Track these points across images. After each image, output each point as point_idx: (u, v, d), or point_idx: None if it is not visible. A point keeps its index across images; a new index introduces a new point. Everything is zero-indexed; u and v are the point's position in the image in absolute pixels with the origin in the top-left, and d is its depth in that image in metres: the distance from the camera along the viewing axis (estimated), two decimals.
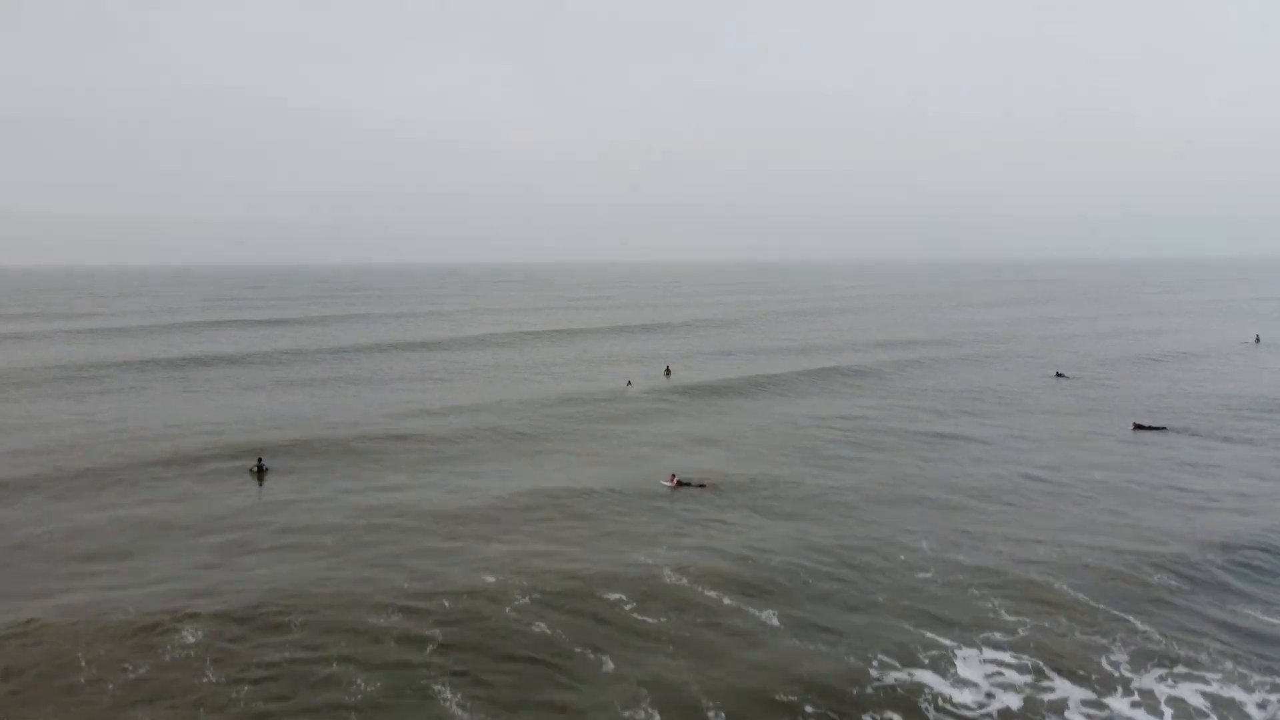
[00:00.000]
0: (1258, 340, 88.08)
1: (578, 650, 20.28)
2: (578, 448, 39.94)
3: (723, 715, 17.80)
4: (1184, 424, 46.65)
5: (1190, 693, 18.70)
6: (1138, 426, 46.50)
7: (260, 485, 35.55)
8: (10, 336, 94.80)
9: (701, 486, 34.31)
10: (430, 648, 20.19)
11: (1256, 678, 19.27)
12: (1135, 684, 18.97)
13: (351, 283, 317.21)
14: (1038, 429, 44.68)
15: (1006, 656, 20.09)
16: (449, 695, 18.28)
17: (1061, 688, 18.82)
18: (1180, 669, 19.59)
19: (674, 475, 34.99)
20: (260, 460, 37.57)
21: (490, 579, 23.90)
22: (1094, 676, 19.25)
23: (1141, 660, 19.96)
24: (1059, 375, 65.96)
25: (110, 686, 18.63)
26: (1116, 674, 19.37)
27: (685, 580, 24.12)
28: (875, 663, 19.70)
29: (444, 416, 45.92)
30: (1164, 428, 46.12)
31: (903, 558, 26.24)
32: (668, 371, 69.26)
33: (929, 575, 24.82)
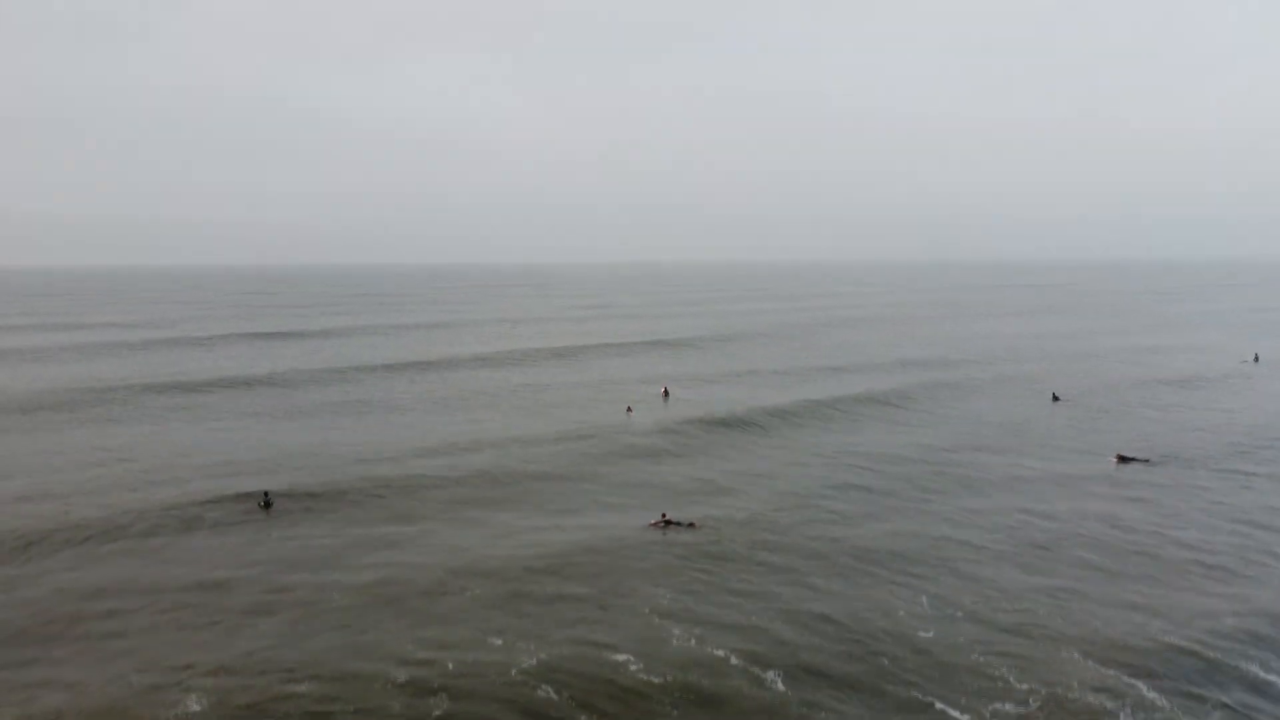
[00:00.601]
0: (1256, 359, 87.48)
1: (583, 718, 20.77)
2: (578, 493, 39.84)
3: None
4: (1169, 455, 47.26)
5: None
6: (1121, 458, 46.72)
7: (267, 514, 36.75)
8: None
9: (690, 526, 34.76)
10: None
11: None
12: None
13: (352, 287, 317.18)
14: (1032, 466, 44.92)
15: None
16: None
17: None
18: None
19: (664, 514, 35.59)
20: (266, 494, 38.64)
21: (497, 642, 24.15)
22: None
23: None
24: (1055, 399, 66.39)
25: None
26: None
27: (693, 643, 24.50)
28: None
29: (446, 456, 45.62)
30: (1148, 460, 46.45)
31: (902, 613, 26.56)
32: (665, 393, 69.46)
33: (930, 635, 25.11)
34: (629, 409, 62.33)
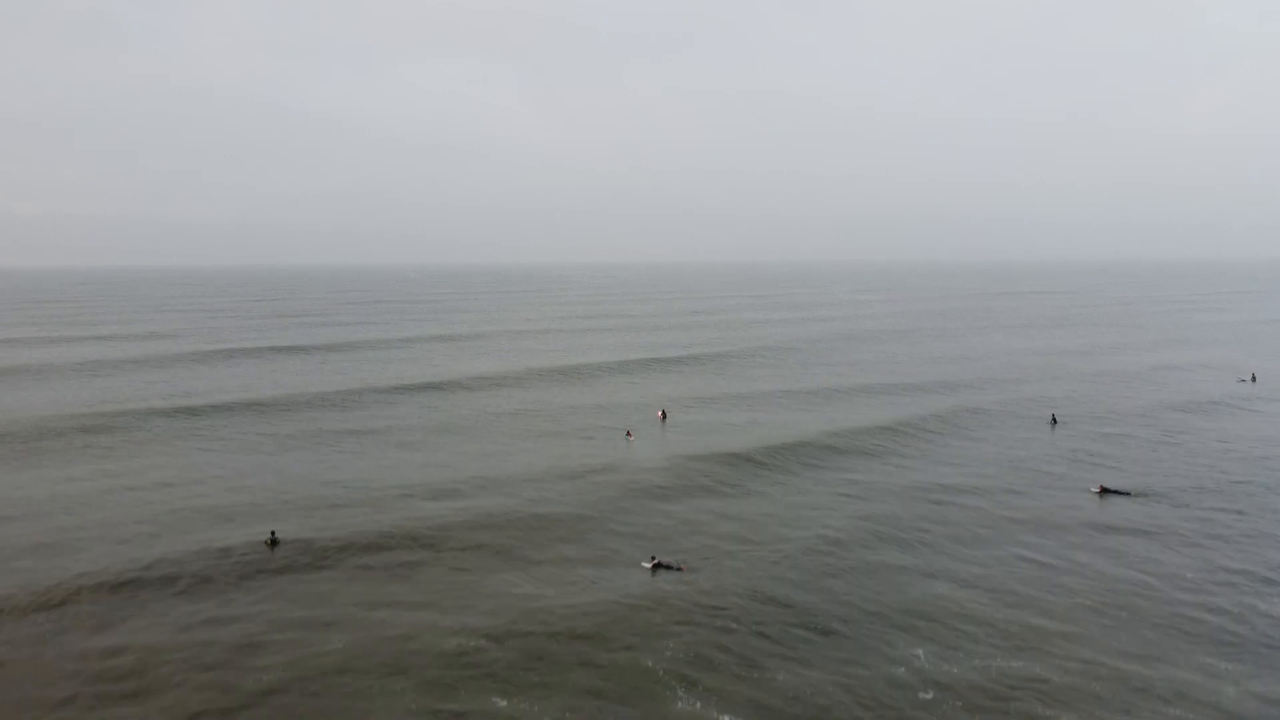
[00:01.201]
0: (1253, 379, 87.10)
1: None
2: (581, 541, 39.79)
3: None
4: (1152, 487, 48.37)
5: None
6: (1104, 490, 47.79)
7: (273, 553, 37.55)
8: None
9: (679, 569, 36.01)
10: None
11: None
12: None
13: (353, 292, 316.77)
14: (1022, 506, 45.47)
15: None
16: None
17: None
18: None
19: (654, 557, 36.82)
20: (274, 533, 39.37)
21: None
22: None
23: None
24: (1054, 421, 66.99)
25: None
26: None
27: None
28: None
29: (449, 499, 45.60)
30: (1128, 493, 47.42)
31: (901, 671, 27.09)
32: (663, 416, 69.84)
33: (930, 698, 25.64)
34: (629, 434, 63.16)
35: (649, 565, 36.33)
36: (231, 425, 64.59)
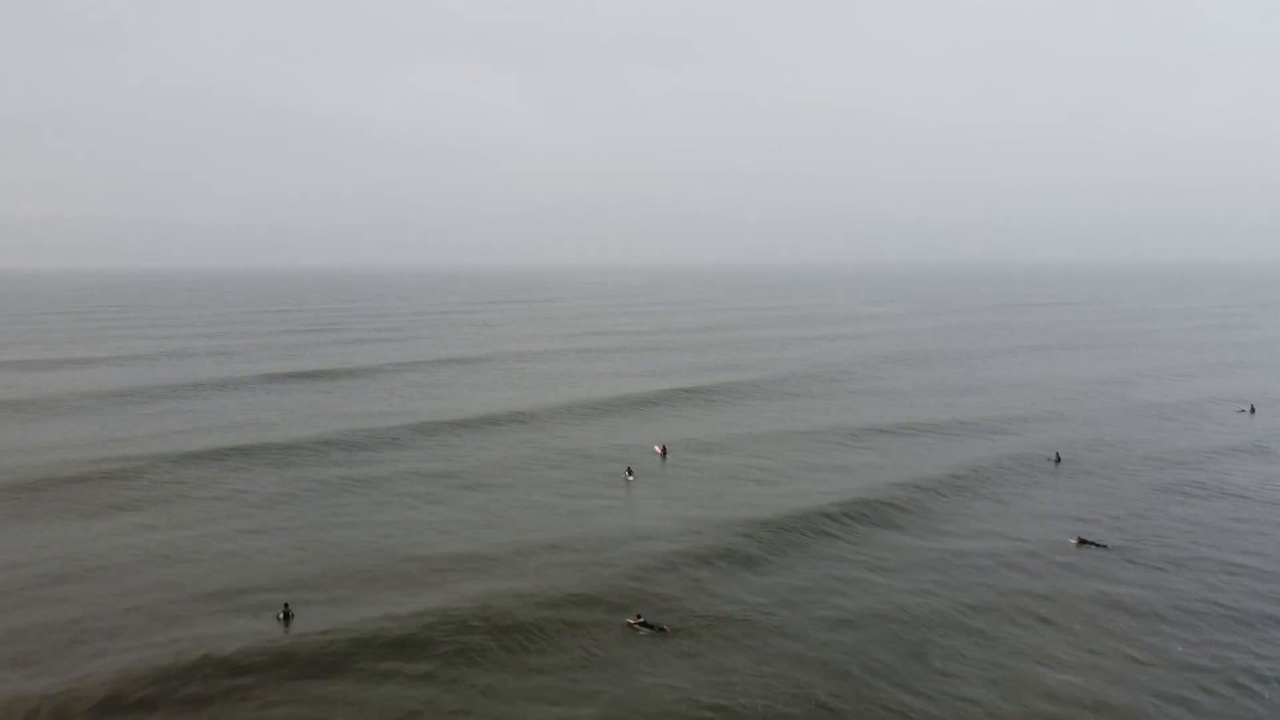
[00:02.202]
0: (1252, 411, 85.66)
1: None
2: (586, 649, 37.46)
3: None
4: (1133, 541, 48.64)
5: None
6: (1082, 541, 47.98)
7: (287, 630, 36.83)
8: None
9: (663, 630, 36.41)
10: None
11: None
12: None
13: (359, 304, 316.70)
14: (1029, 555, 45.86)
15: None
16: None
17: None
18: None
19: (639, 615, 37.10)
20: (286, 606, 39.01)
21: None
22: None
23: None
24: (1058, 460, 66.54)
25: None
26: None
27: None
28: None
29: (452, 585, 43.41)
30: (1105, 545, 47.56)
31: None
32: (663, 452, 69.50)
33: None
34: (629, 471, 62.87)
35: (633, 623, 36.87)
36: (240, 474, 63.76)
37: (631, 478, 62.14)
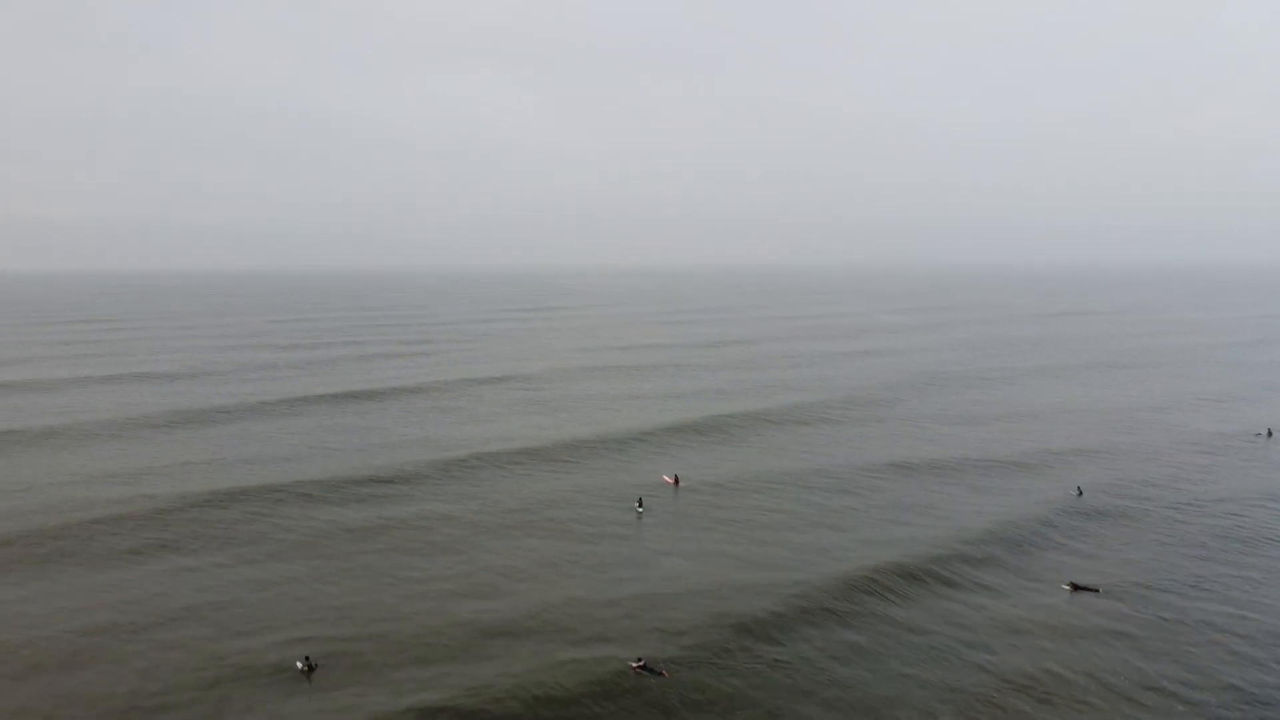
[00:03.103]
0: (1269, 434, 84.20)
1: None
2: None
3: None
4: (1127, 585, 48.40)
5: None
6: (1075, 587, 47.65)
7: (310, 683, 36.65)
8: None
9: (661, 675, 37.05)
10: None
11: None
12: None
13: (380, 311, 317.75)
14: (1039, 610, 44.57)
15: None
16: None
17: None
18: None
19: (641, 658, 37.73)
20: (308, 658, 38.80)
21: None
22: None
23: None
24: (1080, 493, 66.08)
25: None
26: None
27: None
28: None
29: (460, 662, 42.97)
30: (1097, 590, 47.33)
31: None
32: (675, 482, 69.23)
33: None
34: (639, 503, 62.40)
35: (635, 667, 37.48)
36: (253, 517, 63.29)
37: (641, 509, 61.50)
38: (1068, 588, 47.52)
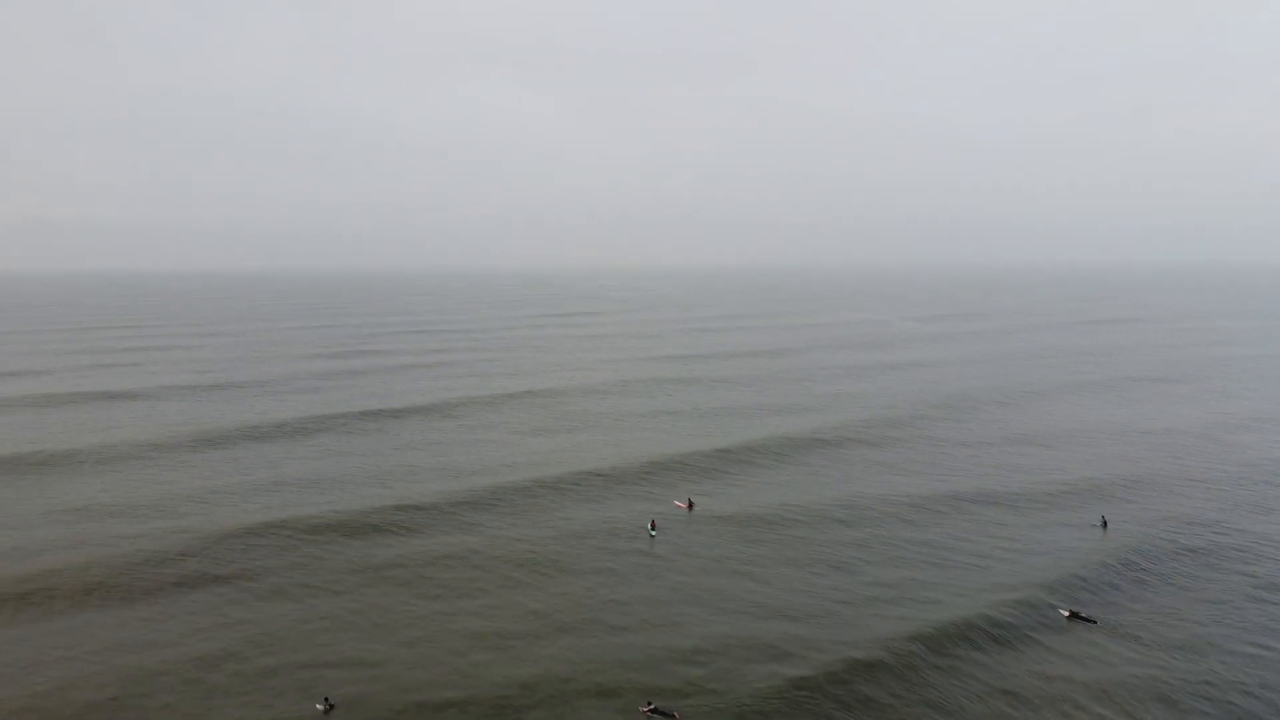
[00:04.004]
0: None
1: None
2: None
3: None
4: (1123, 619, 47.86)
5: None
6: (1073, 615, 47.29)
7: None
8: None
9: (672, 717, 37.19)
10: None
11: None
12: None
13: (396, 316, 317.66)
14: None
15: None
16: None
17: None
18: None
19: (650, 702, 37.90)
20: (328, 698, 39.33)
21: None
22: None
23: None
24: (1104, 524, 65.27)
25: None
26: None
27: None
28: None
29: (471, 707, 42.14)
30: (1094, 620, 46.83)
31: None
32: (689, 505, 69.25)
33: None
34: (652, 524, 62.70)
35: (645, 710, 37.72)
36: (277, 552, 62.78)
37: (654, 532, 61.47)
38: (1066, 614, 47.17)
